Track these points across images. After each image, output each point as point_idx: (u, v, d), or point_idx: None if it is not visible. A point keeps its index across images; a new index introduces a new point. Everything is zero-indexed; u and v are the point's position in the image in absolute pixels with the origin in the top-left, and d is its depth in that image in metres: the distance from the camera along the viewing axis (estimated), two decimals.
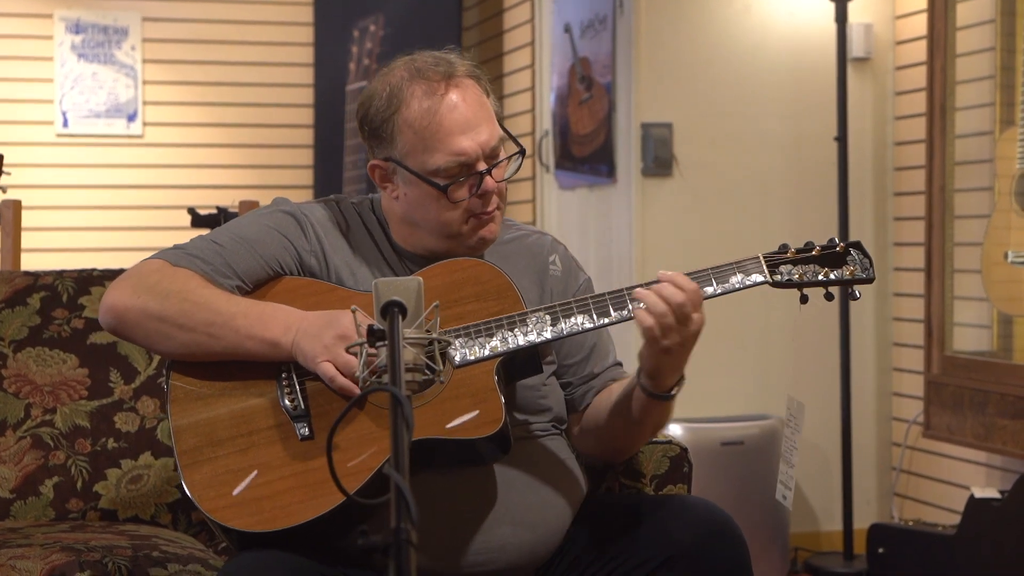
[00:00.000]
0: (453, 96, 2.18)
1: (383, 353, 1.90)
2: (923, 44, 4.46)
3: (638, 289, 2.13)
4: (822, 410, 4.64)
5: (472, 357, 2.12)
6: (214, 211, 4.34)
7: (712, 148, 4.70)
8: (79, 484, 2.60)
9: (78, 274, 2.74)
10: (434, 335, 1.94)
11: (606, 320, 2.15)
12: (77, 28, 6.37)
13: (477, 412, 2.09)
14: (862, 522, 4.59)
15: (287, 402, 2.12)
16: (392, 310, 1.84)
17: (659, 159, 4.64)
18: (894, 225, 4.83)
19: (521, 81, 5.70)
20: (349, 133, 6.34)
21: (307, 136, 6.64)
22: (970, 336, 4.35)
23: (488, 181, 2.19)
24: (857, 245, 2.21)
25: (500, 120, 2.25)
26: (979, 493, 3.98)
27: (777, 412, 4.64)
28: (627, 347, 2.63)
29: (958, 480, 4.48)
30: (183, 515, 2.62)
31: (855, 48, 4.74)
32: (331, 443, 1.67)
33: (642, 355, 2.16)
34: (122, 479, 2.61)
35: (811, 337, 4.66)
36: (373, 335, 1.89)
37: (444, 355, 2.09)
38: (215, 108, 6.52)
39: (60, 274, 2.73)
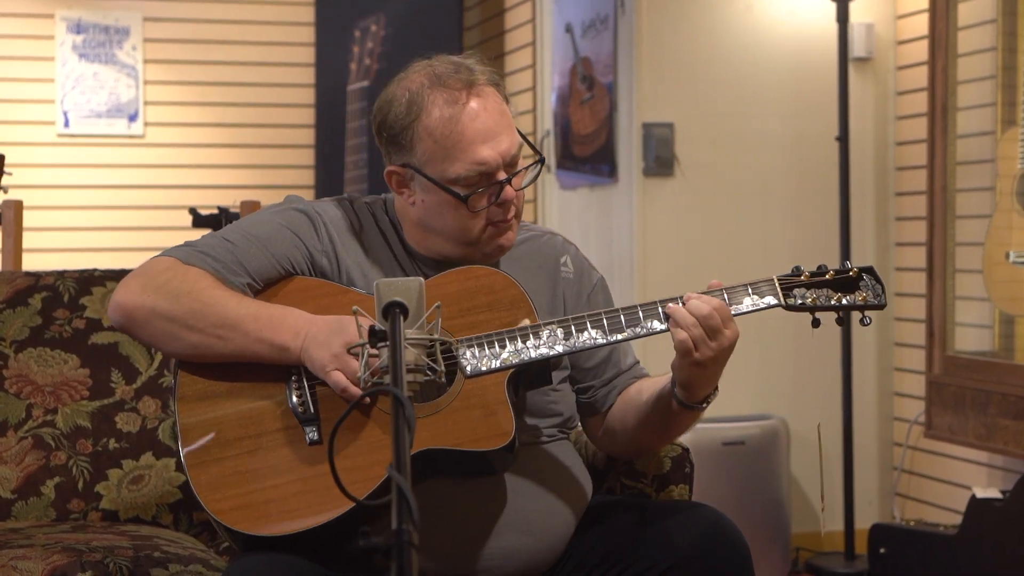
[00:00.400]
0: (474, 104, 2.16)
1: (384, 354, 1.90)
2: (924, 44, 4.45)
3: (669, 304, 2.12)
4: (823, 410, 4.64)
5: (484, 368, 2.11)
6: (215, 211, 4.33)
7: (713, 148, 4.70)
8: (80, 484, 2.60)
9: (79, 274, 2.73)
10: (436, 336, 1.94)
11: (619, 337, 2.14)
12: (78, 28, 6.37)
13: (487, 426, 2.08)
14: (863, 522, 4.59)
15: (296, 405, 2.11)
16: (393, 311, 1.84)
17: (660, 159, 4.64)
18: (895, 225, 4.83)
19: (522, 81, 5.70)
20: (350, 133, 6.34)
21: (308, 136, 6.63)
22: (971, 336, 4.35)
23: (508, 190, 2.18)
24: (870, 271, 2.21)
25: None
26: (980, 493, 3.98)
27: (778, 412, 4.64)
28: (641, 354, 2.62)
29: (959, 480, 4.48)
30: (184, 515, 2.62)
31: (856, 48, 4.74)
32: (332, 446, 1.66)
33: (675, 367, 2.15)
34: (123, 479, 2.61)
35: (812, 337, 4.65)
36: (374, 336, 1.88)
37: (456, 364, 2.09)
38: (216, 108, 6.52)
39: (61, 274, 2.73)
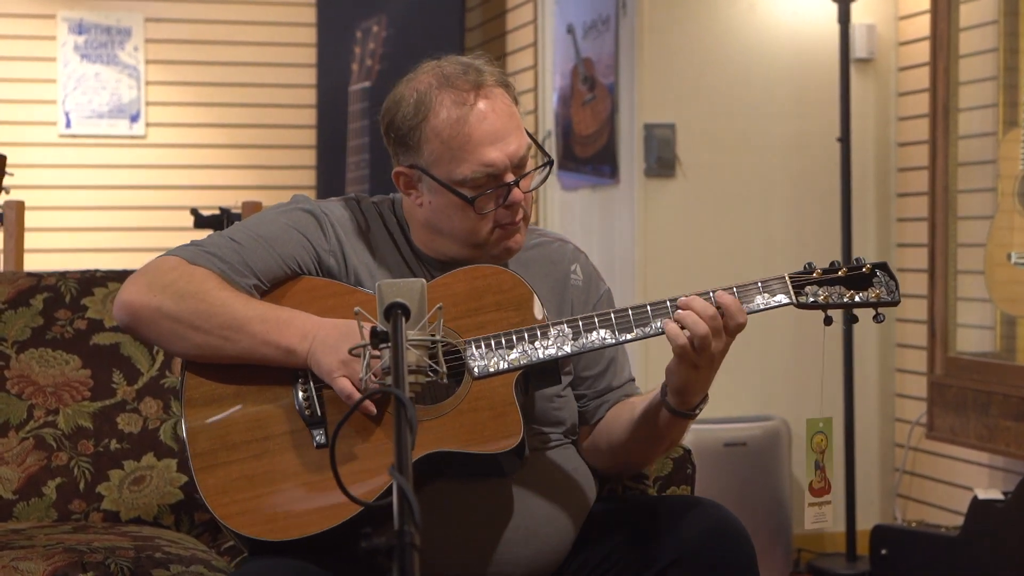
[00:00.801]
0: (482, 106, 2.14)
1: (386, 355, 1.89)
2: (926, 45, 4.45)
3: (681, 299, 2.09)
4: (825, 411, 4.63)
5: (492, 369, 2.10)
6: (217, 212, 4.33)
7: (715, 149, 4.70)
8: (82, 485, 2.60)
9: (81, 275, 2.73)
10: (437, 337, 1.94)
11: (628, 336, 2.12)
12: (80, 29, 6.38)
13: (495, 427, 2.07)
14: (865, 523, 4.59)
15: (303, 408, 2.10)
16: (395, 312, 1.83)
17: (662, 160, 4.64)
18: (897, 226, 4.82)
19: (524, 82, 5.70)
20: (352, 134, 6.34)
21: (310, 137, 6.64)
22: (973, 337, 4.35)
23: (516, 192, 2.16)
24: (884, 266, 2.17)
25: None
26: (982, 494, 3.97)
27: (780, 413, 4.64)
28: (637, 364, 2.62)
29: (961, 481, 4.48)
30: (186, 516, 2.62)
31: (858, 49, 4.74)
32: (334, 450, 1.66)
33: (670, 371, 2.13)
34: (125, 480, 2.61)
35: (813, 338, 4.65)
36: (376, 337, 1.88)
37: (463, 364, 2.08)
38: (218, 109, 6.52)
39: (63, 275, 2.73)
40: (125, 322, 2.17)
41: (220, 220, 4.28)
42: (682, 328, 2.07)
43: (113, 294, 2.66)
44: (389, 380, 1.83)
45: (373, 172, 6.14)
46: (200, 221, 4.37)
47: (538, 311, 2.16)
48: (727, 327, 2.08)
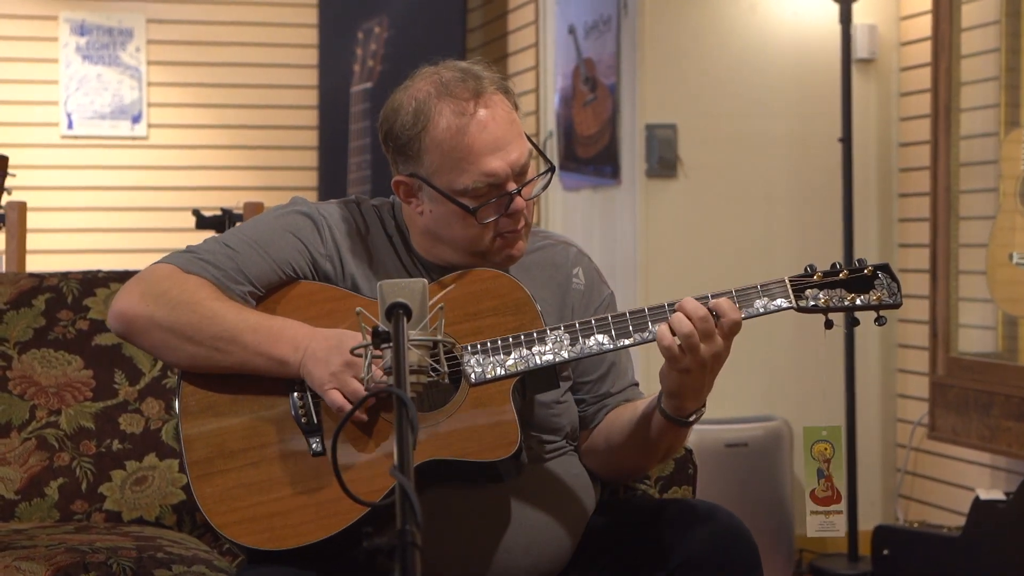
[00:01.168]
0: (482, 114, 2.11)
1: (387, 355, 1.89)
2: (928, 45, 4.45)
3: (676, 299, 2.06)
4: (826, 412, 4.64)
5: (489, 376, 2.08)
6: (218, 213, 4.33)
7: (716, 149, 4.70)
8: (84, 486, 2.60)
9: (83, 276, 2.73)
10: (439, 337, 1.93)
11: (626, 342, 2.09)
12: (82, 30, 6.38)
13: (493, 435, 2.06)
14: (867, 524, 4.59)
15: (299, 416, 2.09)
16: (397, 312, 1.83)
17: (663, 160, 4.64)
18: (899, 226, 4.82)
19: (525, 83, 5.70)
20: (353, 135, 6.34)
21: (311, 138, 6.64)
22: (975, 337, 4.35)
23: (518, 201, 2.13)
24: (885, 268, 2.12)
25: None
26: (984, 495, 3.97)
27: (781, 413, 4.64)
28: (641, 368, 2.61)
29: (963, 482, 4.48)
30: (188, 516, 2.62)
31: (860, 49, 4.73)
32: (335, 452, 1.66)
33: (662, 374, 2.10)
34: (127, 480, 2.61)
35: (815, 338, 4.65)
36: (377, 337, 1.87)
37: (462, 372, 2.07)
38: (220, 110, 6.53)
39: (65, 276, 2.73)
40: (120, 331, 2.17)
41: (222, 221, 4.28)
42: (672, 331, 2.03)
43: (115, 295, 2.66)
44: (391, 380, 1.83)
45: (375, 173, 6.14)
46: (202, 222, 4.37)
47: (537, 318, 2.14)
48: (721, 329, 2.04)
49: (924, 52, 4.56)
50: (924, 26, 4.56)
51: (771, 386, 4.71)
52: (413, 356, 1.88)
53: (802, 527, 4.60)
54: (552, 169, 2.19)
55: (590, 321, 2.11)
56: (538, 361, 2.09)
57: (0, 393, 2.62)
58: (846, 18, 4.51)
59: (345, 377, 2.03)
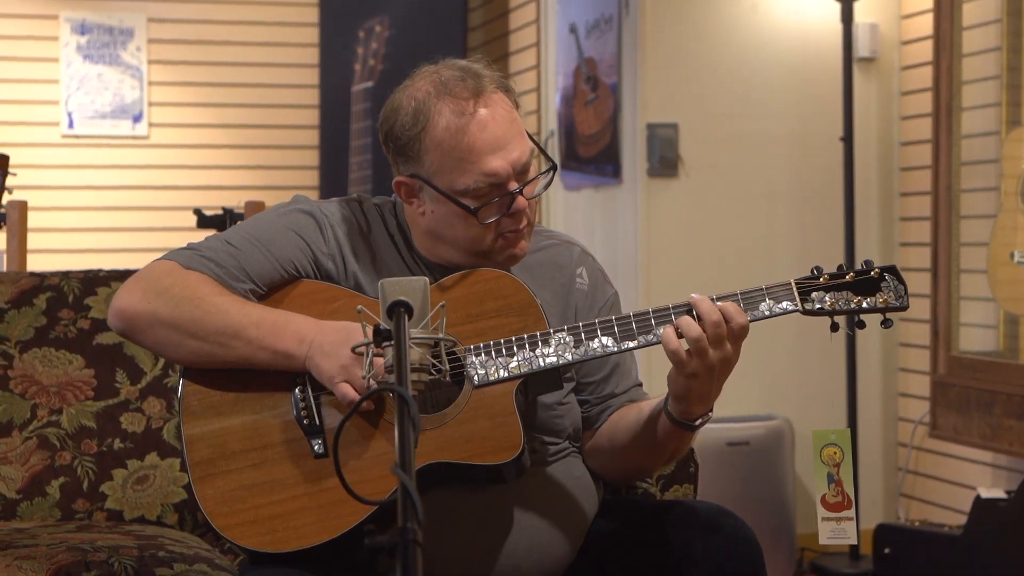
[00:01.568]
0: (482, 114, 2.09)
1: (389, 354, 1.88)
2: (929, 44, 4.45)
3: (694, 296, 2.04)
4: (828, 411, 4.64)
5: (492, 378, 2.07)
6: (220, 212, 4.33)
7: (718, 148, 4.70)
8: (85, 484, 2.60)
9: (84, 275, 2.73)
10: (440, 336, 1.93)
11: (630, 344, 2.07)
12: (83, 29, 6.38)
13: (495, 438, 2.05)
14: (868, 522, 4.58)
15: (301, 417, 2.09)
16: (398, 310, 1.83)
17: (665, 159, 4.64)
18: (900, 225, 4.82)
19: (527, 82, 5.70)
20: (355, 134, 6.34)
21: (312, 137, 6.64)
22: (976, 336, 4.35)
23: (519, 200, 2.12)
24: (892, 270, 2.11)
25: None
26: (985, 493, 3.97)
27: (783, 413, 4.64)
28: (641, 368, 2.60)
29: (964, 480, 4.48)
30: (189, 515, 2.62)
31: (861, 48, 4.73)
32: (337, 454, 1.66)
33: (670, 378, 2.08)
34: (128, 479, 2.61)
35: (817, 337, 4.65)
36: (379, 335, 1.87)
37: (464, 374, 2.06)
38: (220, 109, 6.53)
39: (66, 275, 2.73)
40: (121, 329, 2.16)
41: (223, 220, 4.28)
42: (679, 335, 2.02)
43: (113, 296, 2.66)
44: (392, 378, 1.83)
45: (376, 173, 6.14)
46: (203, 221, 4.36)
47: (541, 319, 2.12)
48: (730, 333, 2.03)
49: (925, 51, 4.56)
50: (925, 25, 4.56)
51: (773, 385, 4.71)
52: (414, 354, 1.88)
53: (803, 526, 4.62)
54: (554, 168, 2.18)
55: (594, 323, 2.09)
56: (541, 363, 2.08)
57: (1, 392, 2.62)
58: (847, 17, 4.51)
59: (355, 370, 2.02)
